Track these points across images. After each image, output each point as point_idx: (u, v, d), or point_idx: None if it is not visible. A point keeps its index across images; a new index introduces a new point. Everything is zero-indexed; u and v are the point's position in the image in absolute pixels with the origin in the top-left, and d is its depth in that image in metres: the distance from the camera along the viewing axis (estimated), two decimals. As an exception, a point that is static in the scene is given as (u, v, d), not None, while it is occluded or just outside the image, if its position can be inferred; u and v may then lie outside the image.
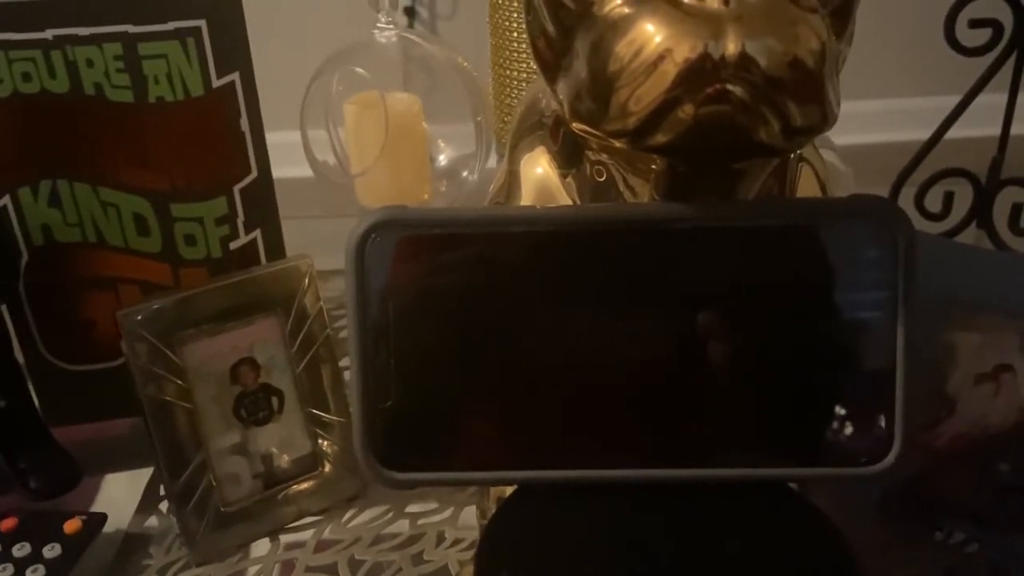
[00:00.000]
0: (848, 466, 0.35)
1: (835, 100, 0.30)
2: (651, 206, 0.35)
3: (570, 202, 0.39)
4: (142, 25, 0.50)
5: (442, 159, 0.66)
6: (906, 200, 0.71)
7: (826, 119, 0.30)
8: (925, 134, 0.69)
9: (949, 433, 0.49)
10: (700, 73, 0.28)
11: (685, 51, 0.28)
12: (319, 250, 0.53)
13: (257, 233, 0.56)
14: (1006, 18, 0.64)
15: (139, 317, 0.47)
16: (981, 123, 0.67)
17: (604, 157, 0.36)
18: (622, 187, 0.36)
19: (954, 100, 0.67)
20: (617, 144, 0.31)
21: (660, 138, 0.29)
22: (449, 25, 0.88)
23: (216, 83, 0.52)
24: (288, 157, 0.61)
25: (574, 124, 0.32)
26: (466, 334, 0.35)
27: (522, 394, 0.35)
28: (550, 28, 0.33)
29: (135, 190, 0.53)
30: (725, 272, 0.34)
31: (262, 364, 0.50)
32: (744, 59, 0.28)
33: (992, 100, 0.67)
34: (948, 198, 0.71)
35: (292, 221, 0.58)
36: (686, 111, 0.28)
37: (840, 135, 0.62)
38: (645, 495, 0.35)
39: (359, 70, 0.59)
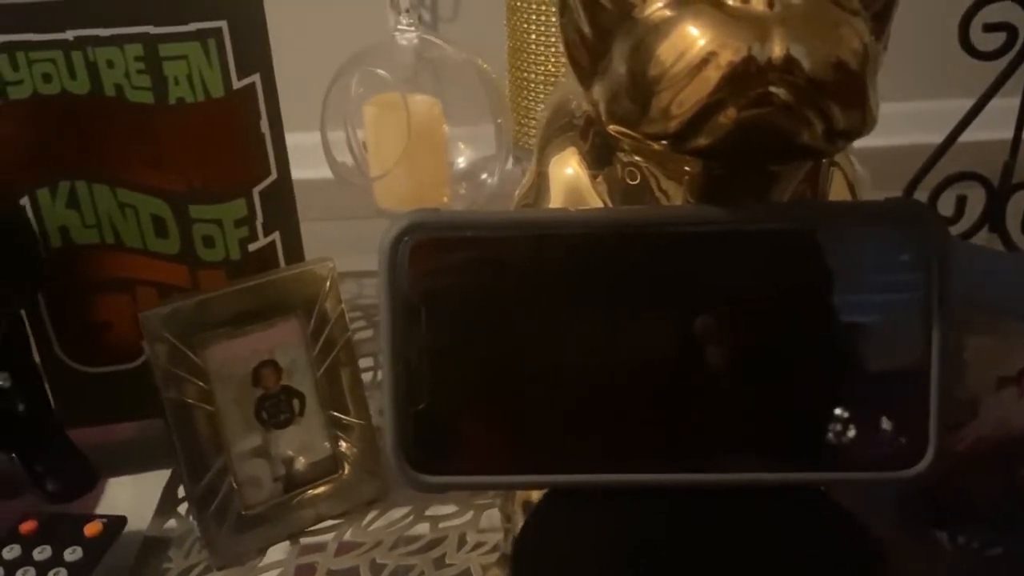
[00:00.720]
0: (883, 470, 0.35)
1: (875, 103, 0.30)
2: (685, 209, 0.34)
3: (600, 203, 0.39)
4: (163, 26, 0.50)
5: (461, 161, 0.65)
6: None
7: (867, 122, 0.30)
8: (938, 137, 0.69)
9: (971, 437, 0.48)
10: (744, 76, 0.28)
11: (730, 54, 0.28)
12: (337, 252, 0.53)
13: (276, 235, 0.56)
14: (1021, 22, 0.64)
15: (161, 318, 0.47)
16: (994, 127, 0.68)
17: (637, 159, 0.36)
18: (655, 190, 0.35)
19: (967, 103, 0.67)
20: (655, 146, 0.31)
21: (701, 141, 0.29)
22: (450, 28, 0.88)
23: (236, 85, 0.52)
24: (307, 158, 0.61)
25: (610, 126, 0.32)
26: (497, 337, 0.35)
27: (552, 397, 0.35)
28: (587, 29, 0.33)
29: (153, 191, 0.53)
30: (760, 276, 0.34)
31: (283, 367, 0.50)
32: (789, 61, 0.27)
33: (1005, 104, 0.67)
34: (960, 202, 0.71)
35: (310, 222, 0.58)
36: (728, 114, 0.28)
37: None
38: (676, 499, 0.35)
39: (381, 72, 0.59)
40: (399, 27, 0.60)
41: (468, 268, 0.34)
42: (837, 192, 0.39)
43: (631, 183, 0.37)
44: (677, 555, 0.34)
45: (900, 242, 0.33)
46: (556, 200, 0.40)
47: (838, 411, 0.35)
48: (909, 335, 0.34)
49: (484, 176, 0.63)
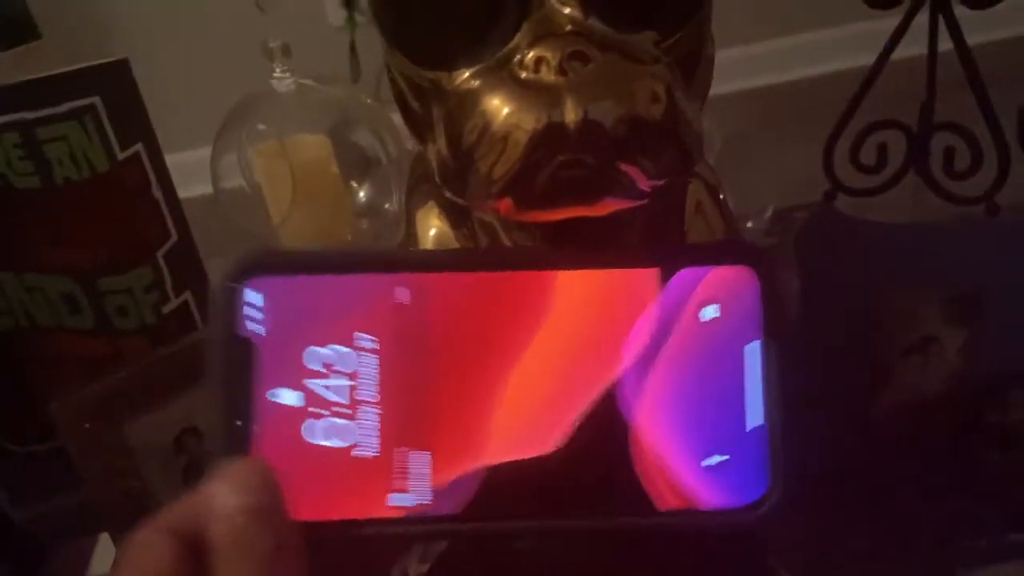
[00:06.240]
0: (726, 513, 0.34)
1: (695, 137, 0.30)
2: (527, 250, 0.34)
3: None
4: (37, 110, 0.50)
5: (362, 195, 0.66)
6: (841, 154, 0.71)
7: (687, 159, 0.30)
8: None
9: (884, 406, 0.50)
10: (549, 141, 0.28)
11: (531, 123, 0.28)
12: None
13: (187, 295, 0.56)
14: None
15: (73, 406, 0.47)
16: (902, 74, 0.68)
17: (487, 214, 0.36)
18: (506, 241, 0.36)
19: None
20: (486, 217, 0.31)
21: (522, 206, 0.30)
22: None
23: (120, 156, 0.52)
24: (209, 214, 0.61)
25: (445, 192, 0.32)
26: None
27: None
28: (412, 103, 0.33)
29: (59, 271, 0.53)
30: (598, 316, 0.34)
31: (204, 431, 0.51)
32: (587, 125, 0.28)
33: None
34: (882, 149, 0.71)
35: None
36: (542, 179, 0.29)
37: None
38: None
39: (261, 126, 0.59)
40: (275, 75, 0.60)
41: (302, 305, 0.34)
42: (695, 199, 0.39)
43: (486, 234, 0.37)
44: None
45: (732, 282, 0.33)
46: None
47: (682, 456, 0.34)
48: (745, 375, 0.34)
49: (387, 205, 0.63)
